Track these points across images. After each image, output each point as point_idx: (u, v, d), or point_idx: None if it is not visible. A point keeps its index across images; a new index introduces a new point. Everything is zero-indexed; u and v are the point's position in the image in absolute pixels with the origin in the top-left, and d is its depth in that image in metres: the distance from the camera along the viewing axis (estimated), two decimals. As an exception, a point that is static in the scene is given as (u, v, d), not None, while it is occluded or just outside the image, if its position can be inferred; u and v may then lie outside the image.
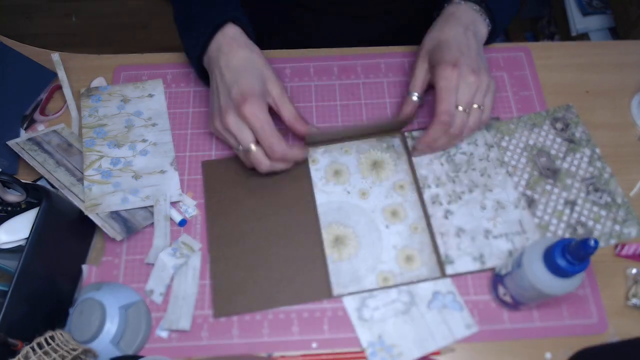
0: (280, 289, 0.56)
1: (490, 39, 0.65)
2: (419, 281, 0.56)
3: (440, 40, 0.60)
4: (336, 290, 0.56)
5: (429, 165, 0.63)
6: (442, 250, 0.58)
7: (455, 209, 0.60)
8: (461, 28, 0.60)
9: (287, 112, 0.59)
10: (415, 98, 0.62)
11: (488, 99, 0.60)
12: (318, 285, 0.56)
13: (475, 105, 0.59)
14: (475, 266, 0.57)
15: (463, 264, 0.57)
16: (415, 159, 0.63)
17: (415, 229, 0.59)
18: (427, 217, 0.60)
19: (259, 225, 0.59)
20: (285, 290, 0.56)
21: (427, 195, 0.61)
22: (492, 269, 0.57)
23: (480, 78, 0.58)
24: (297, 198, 0.61)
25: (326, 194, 0.61)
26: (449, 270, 0.57)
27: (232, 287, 0.56)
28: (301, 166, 0.62)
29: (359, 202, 0.61)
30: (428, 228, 0.59)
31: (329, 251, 0.58)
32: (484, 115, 0.60)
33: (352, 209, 0.60)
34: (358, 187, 0.61)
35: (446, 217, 0.60)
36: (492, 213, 0.60)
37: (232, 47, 0.58)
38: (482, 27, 0.63)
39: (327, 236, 0.59)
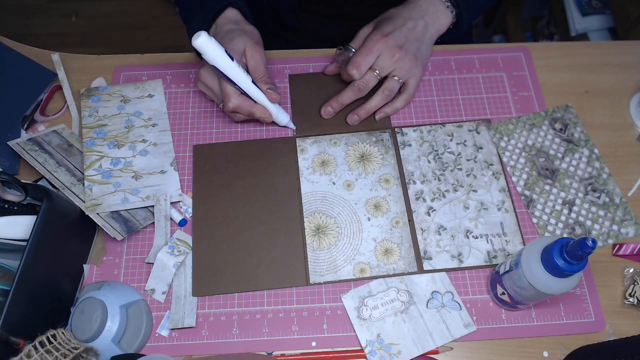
0: (259, 273, 0.57)
1: (455, 30, 0.66)
2: (395, 275, 0.57)
3: (390, 13, 0.64)
4: (312, 278, 0.57)
5: (416, 162, 0.63)
6: (421, 246, 0.58)
7: (438, 206, 0.61)
8: (416, 13, 0.62)
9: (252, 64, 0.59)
10: (349, 52, 0.64)
11: (411, 82, 0.63)
12: (296, 272, 0.57)
13: (395, 77, 0.61)
14: (453, 264, 0.58)
15: (441, 261, 0.58)
16: (403, 155, 0.63)
17: (397, 223, 0.59)
18: (409, 212, 0.60)
19: (244, 210, 0.60)
20: (264, 274, 0.57)
21: (411, 190, 0.61)
22: (470, 268, 0.57)
23: (406, 58, 0.61)
24: (282, 186, 0.61)
25: (312, 184, 0.62)
26: (427, 266, 0.58)
27: (212, 268, 0.57)
28: (289, 155, 0.63)
29: (343, 193, 0.61)
30: (409, 223, 0.60)
31: (309, 239, 0.59)
32: (406, 94, 0.63)
33: (336, 200, 0.61)
34: (344, 179, 0.62)
35: (428, 214, 0.60)
36: (475, 213, 0.60)
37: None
38: (443, 18, 0.64)
39: (308, 225, 0.59)
